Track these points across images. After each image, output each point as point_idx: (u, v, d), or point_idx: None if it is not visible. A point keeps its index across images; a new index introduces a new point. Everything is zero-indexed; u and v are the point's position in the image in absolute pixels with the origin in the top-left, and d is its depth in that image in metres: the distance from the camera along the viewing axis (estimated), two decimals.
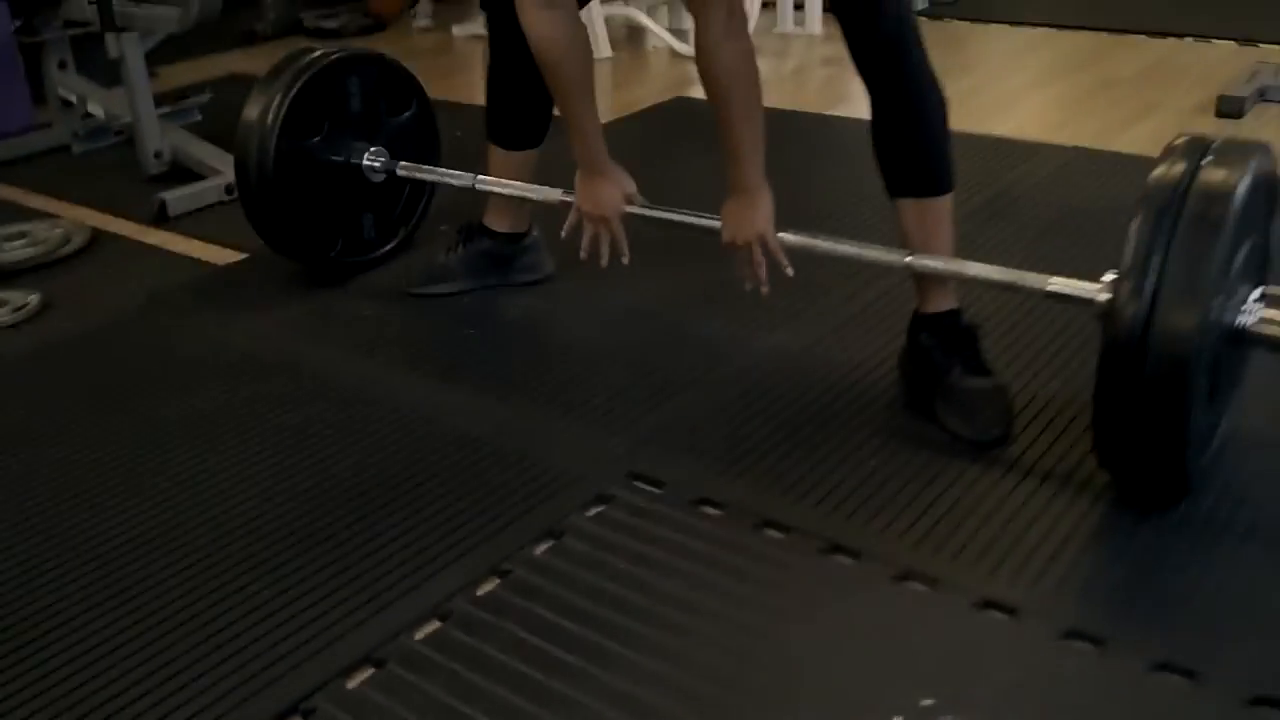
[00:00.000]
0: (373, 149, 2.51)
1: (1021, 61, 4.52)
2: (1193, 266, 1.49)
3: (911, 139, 1.92)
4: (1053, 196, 2.90)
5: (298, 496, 1.83)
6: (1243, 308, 1.63)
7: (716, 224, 2.04)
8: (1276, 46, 4.36)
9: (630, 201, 2.15)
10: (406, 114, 2.61)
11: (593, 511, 1.75)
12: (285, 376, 2.21)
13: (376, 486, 1.85)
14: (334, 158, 2.48)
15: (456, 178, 2.48)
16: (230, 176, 3.08)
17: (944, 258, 1.92)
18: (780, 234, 2.00)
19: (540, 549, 1.68)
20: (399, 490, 1.84)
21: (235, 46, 5.04)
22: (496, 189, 2.38)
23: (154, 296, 2.58)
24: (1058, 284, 1.77)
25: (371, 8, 5.50)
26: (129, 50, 3.20)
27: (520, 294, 2.49)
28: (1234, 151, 1.60)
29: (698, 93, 3.62)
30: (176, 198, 3.05)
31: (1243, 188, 1.53)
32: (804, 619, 1.51)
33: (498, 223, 2.46)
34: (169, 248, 2.89)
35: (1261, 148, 1.64)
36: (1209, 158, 1.57)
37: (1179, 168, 1.57)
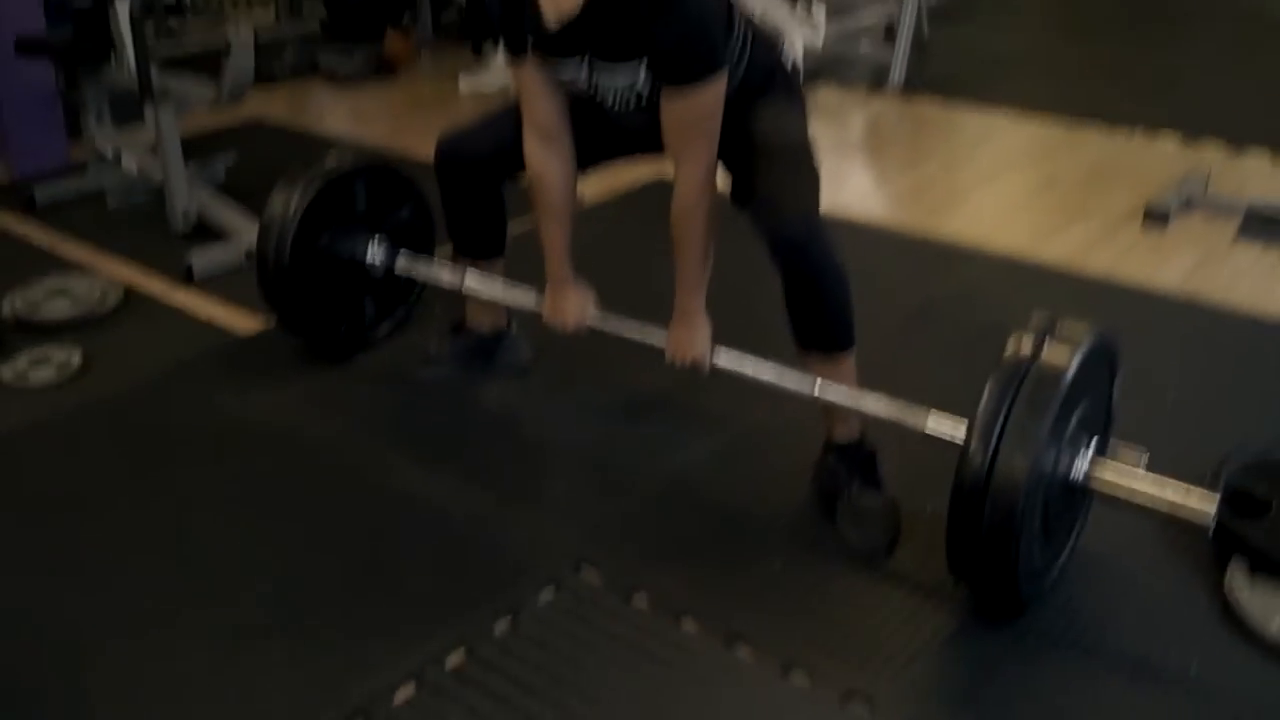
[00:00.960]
0: (375, 244, 2.86)
1: (977, 151, 4.88)
2: (1027, 427, 1.86)
3: (816, 310, 2.27)
4: (973, 310, 3.25)
5: (302, 567, 2.21)
6: (1077, 460, 2.00)
7: (661, 343, 2.40)
8: (1219, 141, 4.75)
9: (591, 310, 2.51)
10: (404, 211, 2.96)
11: (544, 596, 2.13)
12: (293, 454, 2.59)
13: (368, 561, 2.23)
14: (341, 252, 2.84)
15: (448, 273, 2.81)
16: (250, 240, 3.48)
17: (844, 391, 2.28)
18: (717, 353, 2.36)
19: (500, 628, 2.05)
20: (386, 566, 2.22)
21: (254, 85, 5.36)
22: (481, 290, 2.73)
23: (181, 364, 2.96)
24: (933, 425, 2.13)
25: (384, 53, 5.86)
26: (165, 119, 3.57)
27: (500, 384, 2.87)
28: (1072, 332, 1.96)
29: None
30: (202, 261, 3.42)
31: (1075, 364, 1.90)
32: (702, 701, 1.90)
33: (479, 323, 2.83)
34: (194, 310, 3.27)
35: (1100, 330, 2.00)
36: (1050, 338, 1.94)
37: (1026, 345, 1.94)
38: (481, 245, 2.72)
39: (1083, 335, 1.97)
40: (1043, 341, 1.94)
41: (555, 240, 2.43)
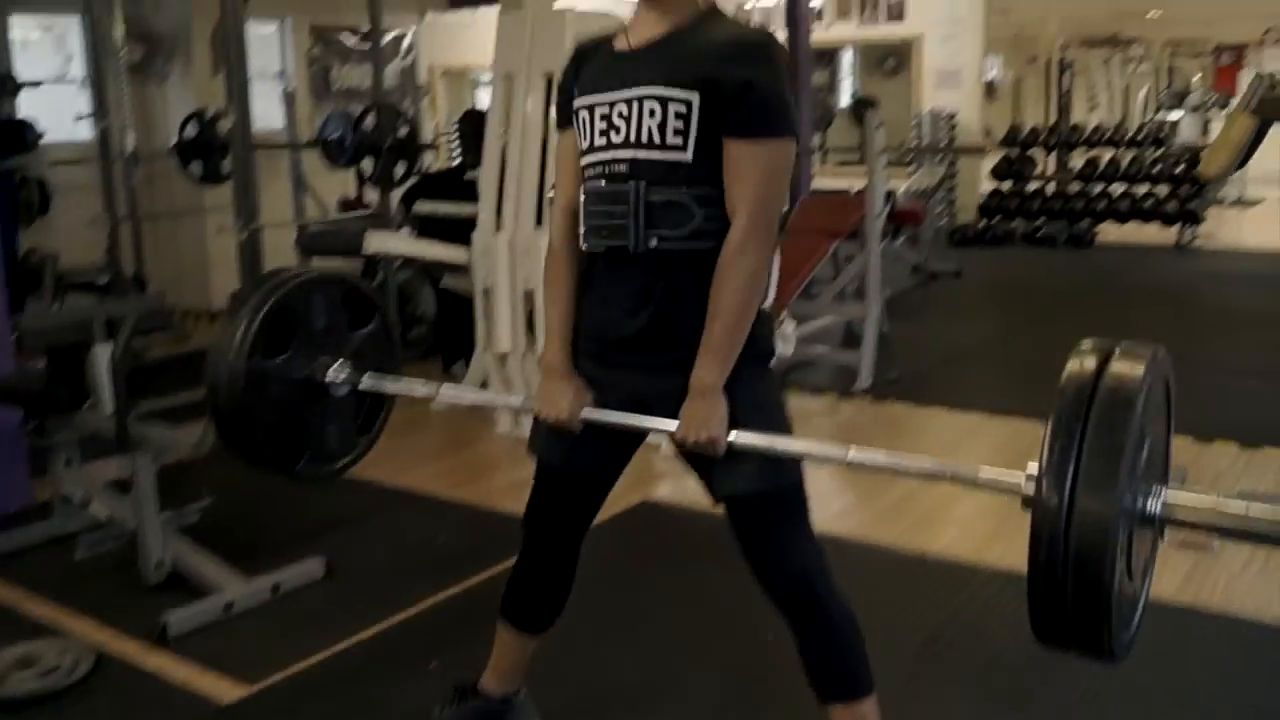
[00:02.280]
0: (337, 364, 2.59)
1: (955, 456, 4.88)
2: (1107, 460, 1.65)
3: (829, 655, 2.20)
4: (983, 637, 3.17)
5: None
6: (1154, 491, 1.77)
7: (668, 427, 2.12)
8: (1186, 437, 4.80)
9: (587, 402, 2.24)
10: (367, 329, 2.70)
11: None
12: None
13: None
14: (300, 374, 2.57)
15: (421, 386, 2.59)
16: (229, 595, 3.35)
17: (883, 452, 2.02)
18: (733, 435, 2.08)
19: None
20: None
21: None
22: (460, 399, 2.49)
23: None
24: (987, 474, 1.89)
25: None
26: (141, 468, 3.47)
27: None
28: (1137, 353, 1.77)
29: (663, 493, 3.94)
30: (178, 619, 3.26)
31: (1148, 379, 1.72)
32: None
33: (494, 684, 2.61)
34: (170, 676, 3.07)
35: (1159, 350, 1.81)
36: (1114, 360, 1.74)
37: (1089, 364, 1.73)
38: (538, 614, 2.52)
39: (1149, 353, 1.78)
40: (1107, 360, 1.75)
41: (557, 319, 2.29)
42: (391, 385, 2.62)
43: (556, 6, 6.34)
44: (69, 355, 3.77)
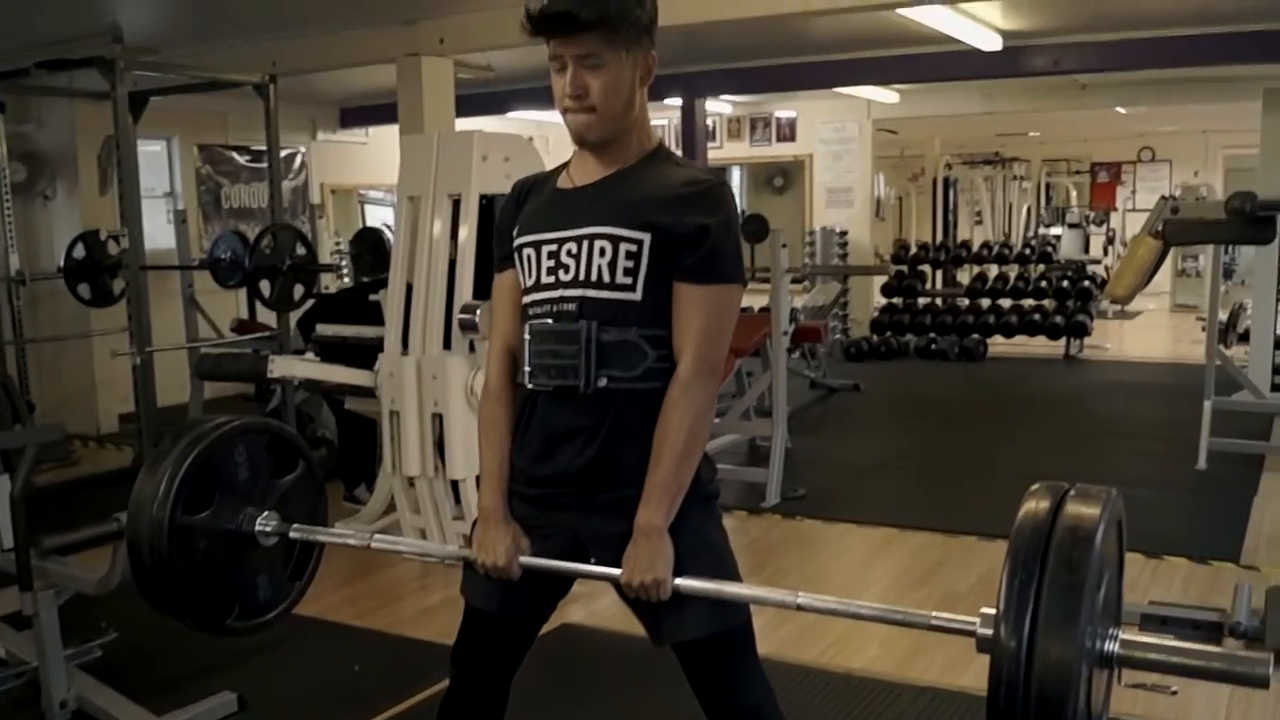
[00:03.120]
0: (264, 514, 2.47)
1: (868, 573, 4.93)
2: (1068, 601, 1.64)
3: None
4: None
5: None
6: (1110, 633, 1.76)
7: (611, 574, 2.07)
8: None
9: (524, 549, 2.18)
10: (293, 475, 2.58)
11: None
12: None
13: None
14: (227, 526, 2.45)
15: (354, 537, 2.50)
16: None
17: (833, 598, 2.00)
18: (678, 580, 2.03)
19: None
20: None
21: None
22: (396, 548, 2.35)
23: None
24: (940, 618, 1.87)
25: None
26: (43, 607, 3.31)
27: None
28: (1092, 494, 1.77)
29: (579, 616, 3.89)
30: None
31: (1104, 522, 1.71)
32: None
33: None
34: None
35: (1113, 491, 1.80)
36: (1070, 501, 1.74)
37: (1043, 508, 1.72)
38: None
39: (1104, 494, 1.79)
40: (1062, 501, 1.75)
41: (494, 464, 2.21)
42: (323, 536, 2.52)
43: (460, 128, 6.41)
44: None
